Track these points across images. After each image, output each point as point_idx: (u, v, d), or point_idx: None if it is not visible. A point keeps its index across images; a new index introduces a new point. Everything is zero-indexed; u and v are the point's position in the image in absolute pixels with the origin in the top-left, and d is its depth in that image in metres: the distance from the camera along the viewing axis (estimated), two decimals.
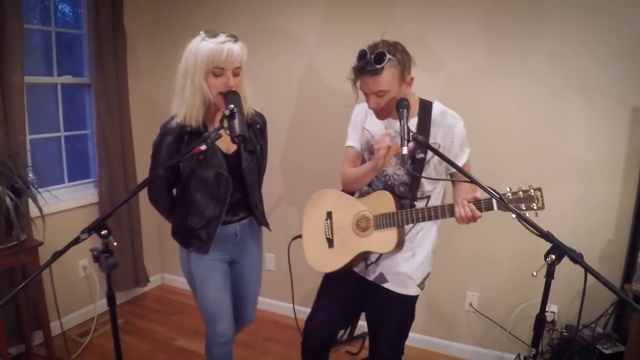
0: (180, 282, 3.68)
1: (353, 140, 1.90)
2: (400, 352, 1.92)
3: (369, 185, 1.85)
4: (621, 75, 2.27)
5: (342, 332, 2.92)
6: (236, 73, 1.65)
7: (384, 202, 1.73)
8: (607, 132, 2.34)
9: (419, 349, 2.83)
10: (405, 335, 1.91)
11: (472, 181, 1.43)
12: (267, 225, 2.03)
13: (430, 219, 1.65)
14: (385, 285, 1.82)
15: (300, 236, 1.99)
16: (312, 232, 1.92)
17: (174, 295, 3.57)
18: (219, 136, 1.53)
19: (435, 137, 1.74)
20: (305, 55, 2.91)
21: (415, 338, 2.82)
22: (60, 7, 3.08)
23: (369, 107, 1.72)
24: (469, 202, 1.55)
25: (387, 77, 1.60)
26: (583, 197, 2.42)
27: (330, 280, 1.96)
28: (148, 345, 2.86)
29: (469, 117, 1.85)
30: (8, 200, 2.09)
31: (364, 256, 1.84)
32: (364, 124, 1.87)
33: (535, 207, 1.47)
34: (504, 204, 1.41)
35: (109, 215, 1.45)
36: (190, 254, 1.88)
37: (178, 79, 1.71)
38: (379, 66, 1.57)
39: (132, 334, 2.98)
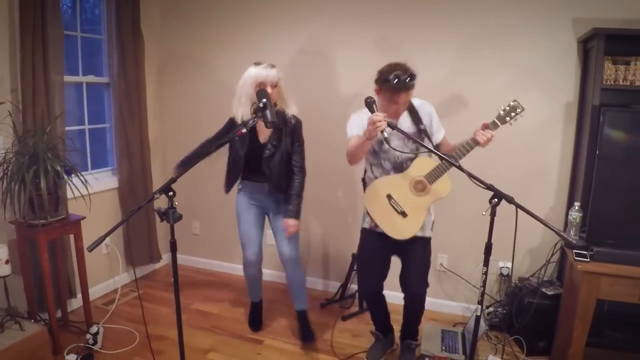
0: (187, 260, 4.13)
1: (357, 130, 2.39)
2: (426, 284, 2.49)
3: (381, 167, 2.42)
4: (558, 76, 2.89)
5: (336, 292, 3.46)
6: (273, 86, 2.58)
7: (425, 164, 2.33)
8: (545, 120, 2.95)
9: (395, 304, 3.35)
10: (428, 266, 2.52)
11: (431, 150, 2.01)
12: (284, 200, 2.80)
13: (464, 154, 2.21)
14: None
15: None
16: (383, 216, 2.42)
17: (183, 271, 3.99)
18: (255, 122, 2.04)
19: (423, 120, 2.38)
20: (307, 61, 3.42)
21: (394, 296, 3.34)
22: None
23: (392, 114, 2.31)
24: (483, 129, 2.16)
25: (412, 91, 2.25)
26: (528, 172, 3.03)
27: (372, 247, 2.53)
28: (168, 309, 3.30)
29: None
30: (66, 177, 2.51)
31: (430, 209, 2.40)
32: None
33: (519, 111, 2.13)
34: (500, 120, 2.17)
35: (174, 180, 1.92)
36: (238, 189, 2.88)
37: (237, 92, 2.64)
38: (411, 83, 2.19)
39: (152, 302, 3.42)
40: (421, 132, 2.38)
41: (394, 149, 2.32)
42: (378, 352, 2.74)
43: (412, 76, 2.20)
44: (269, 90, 2.51)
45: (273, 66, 2.62)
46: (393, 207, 2.39)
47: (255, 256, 2.88)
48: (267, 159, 2.70)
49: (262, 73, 2.55)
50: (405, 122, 2.39)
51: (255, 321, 3.13)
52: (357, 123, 2.41)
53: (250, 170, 2.79)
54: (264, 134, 2.71)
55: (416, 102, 2.41)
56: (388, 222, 2.42)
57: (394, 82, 2.18)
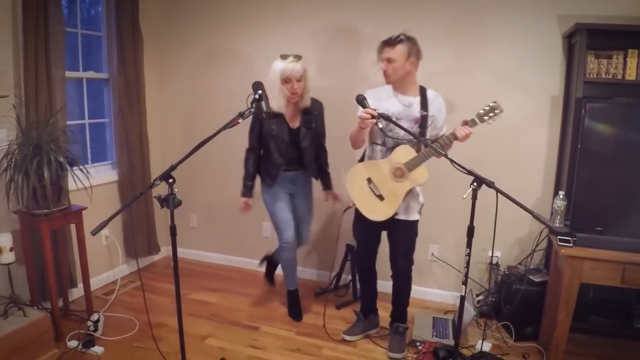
0: (185, 252, 4.20)
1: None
2: (411, 262, 2.70)
3: (384, 144, 2.54)
4: (544, 70, 2.99)
5: (330, 281, 3.54)
6: (299, 80, 2.72)
7: (405, 152, 2.45)
8: (532, 113, 3.05)
9: (386, 293, 3.44)
10: (413, 248, 2.69)
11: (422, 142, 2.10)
12: (315, 177, 3.11)
13: (443, 148, 2.33)
14: (397, 217, 2.55)
15: (349, 207, 2.79)
16: (362, 198, 2.56)
17: (181, 263, 3.94)
18: (251, 113, 2.12)
19: (432, 110, 2.51)
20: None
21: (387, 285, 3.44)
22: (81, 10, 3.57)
23: (382, 68, 2.48)
24: (462, 125, 2.29)
25: (397, 51, 2.41)
26: (516, 164, 3.12)
27: (361, 224, 2.70)
28: (168, 299, 3.38)
29: None
30: (69, 168, 2.59)
31: (409, 194, 2.52)
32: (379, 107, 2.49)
33: (498, 112, 2.26)
34: (479, 117, 2.30)
35: (174, 167, 2.01)
36: (266, 187, 2.99)
37: (268, 84, 2.48)
38: (394, 40, 2.40)
39: (151, 292, 3.50)
40: (422, 118, 2.50)
41: (389, 137, 2.47)
42: (356, 330, 2.91)
43: (399, 36, 2.40)
44: (295, 85, 2.71)
45: (299, 59, 2.74)
46: (372, 190, 2.53)
47: (293, 238, 2.99)
48: (303, 142, 2.89)
49: (288, 68, 2.69)
50: (415, 106, 2.51)
51: (296, 310, 3.18)
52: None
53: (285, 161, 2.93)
54: (294, 120, 2.88)
55: (431, 93, 2.55)
56: (365, 203, 2.56)
57: (383, 40, 2.45)
